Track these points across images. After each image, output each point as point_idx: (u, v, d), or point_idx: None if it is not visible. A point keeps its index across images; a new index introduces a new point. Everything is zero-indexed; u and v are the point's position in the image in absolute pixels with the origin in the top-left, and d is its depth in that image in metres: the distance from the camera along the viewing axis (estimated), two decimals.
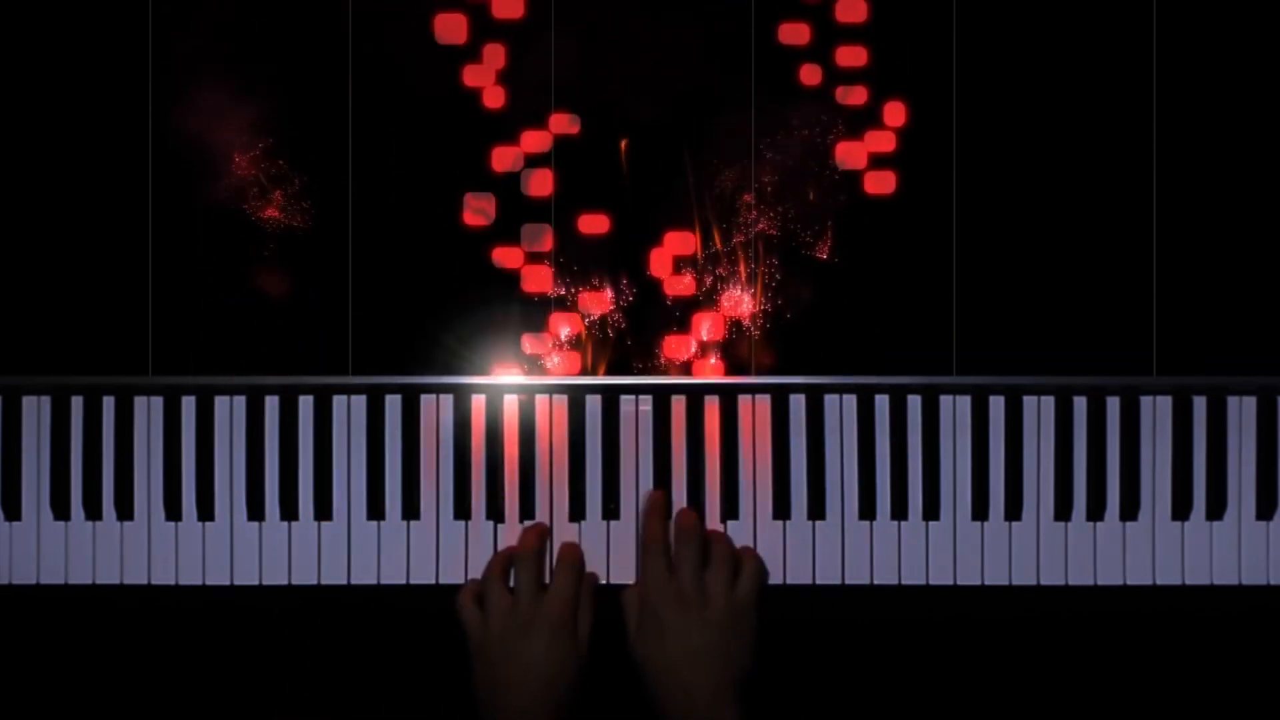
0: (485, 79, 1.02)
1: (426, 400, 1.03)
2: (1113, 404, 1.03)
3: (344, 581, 1.03)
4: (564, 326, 1.02)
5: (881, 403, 1.03)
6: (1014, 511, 1.03)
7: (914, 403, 1.03)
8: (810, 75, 1.02)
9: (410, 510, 1.03)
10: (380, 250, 1.01)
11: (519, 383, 1.02)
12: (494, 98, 1.02)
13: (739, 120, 1.01)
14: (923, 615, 1.03)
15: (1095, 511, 1.03)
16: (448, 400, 1.03)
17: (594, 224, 1.02)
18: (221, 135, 1.01)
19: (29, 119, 1.01)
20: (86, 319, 1.01)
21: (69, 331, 1.01)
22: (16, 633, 1.06)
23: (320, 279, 1.01)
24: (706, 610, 0.96)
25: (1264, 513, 1.03)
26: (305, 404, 1.03)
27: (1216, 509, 1.03)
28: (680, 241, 1.02)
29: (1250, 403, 1.03)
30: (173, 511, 1.03)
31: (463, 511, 1.03)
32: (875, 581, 1.02)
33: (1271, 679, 1.07)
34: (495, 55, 1.02)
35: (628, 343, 1.02)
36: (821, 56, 1.02)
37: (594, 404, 1.03)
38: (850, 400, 1.03)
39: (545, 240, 1.02)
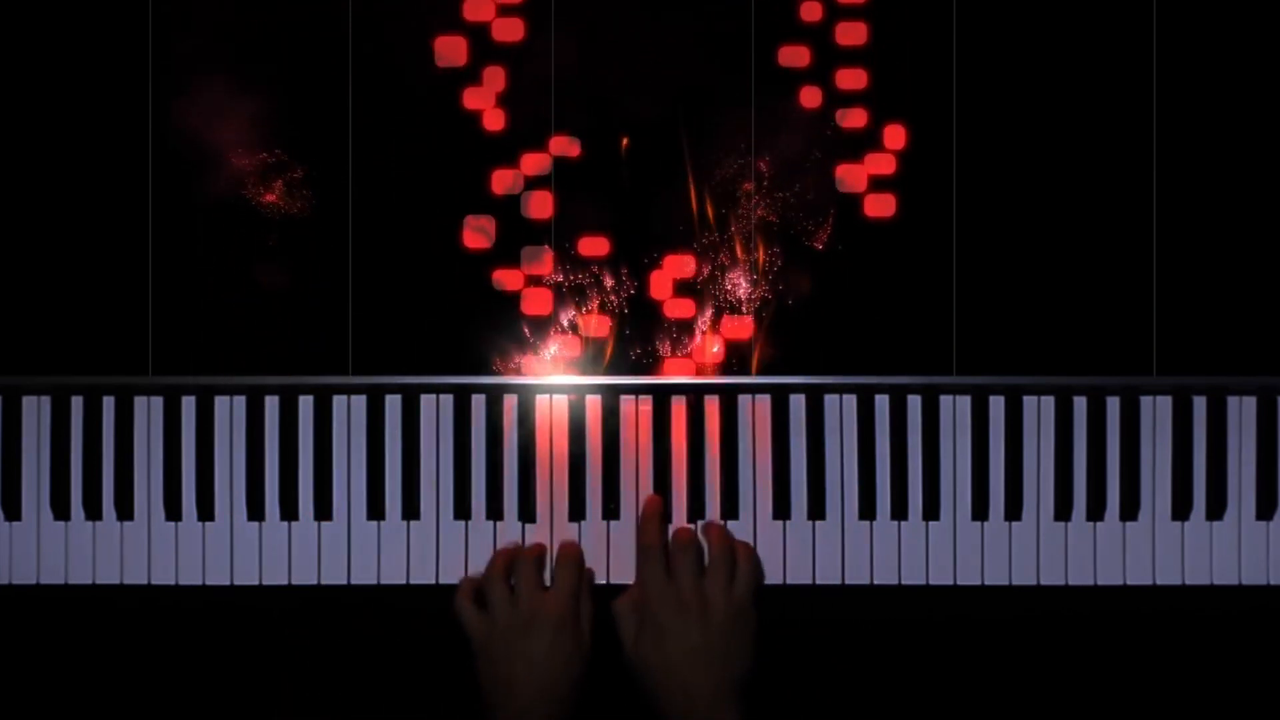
0: (485, 101, 1.02)
1: (426, 400, 1.03)
2: (1113, 404, 1.03)
3: (344, 581, 1.03)
4: (564, 349, 1.02)
5: (881, 403, 1.03)
6: (1014, 511, 1.03)
7: (914, 403, 1.03)
8: (810, 98, 1.02)
9: (410, 510, 1.03)
10: (381, 270, 1.01)
11: (519, 383, 1.02)
12: (494, 120, 1.02)
13: (739, 138, 1.01)
14: (923, 615, 1.03)
15: (1095, 511, 1.03)
16: (448, 400, 1.03)
17: (594, 246, 1.02)
18: (221, 136, 1.01)
19: (29, 118, 1.01)
20: (86, 319, 1.01)
21: (69, 331, 1.01)
22: (16, 633, 1.07)
23: (320, 289, 1.01)
24: (706, 613, 0.96)
25: (1264, 513, 1.03)
26: (305, 404, 1.03)
27: (1216, 509, 1.03)
28: (680, 264, 1.02)
29: (1250, 403, 1.03)
30: (173, 511, 1.03)
31: (462, 511, 1.03)
32: (875, 581, 1.02)
33: (1271, 679, 1.07)
34: (495, 78, 1.02)
35: (627, 364, 1.02)
36: (821, 79, 1.02)
37: (594, 404, 1.03)
38: (850, 400, 1.03)
39: (545, 262, 1.02)
